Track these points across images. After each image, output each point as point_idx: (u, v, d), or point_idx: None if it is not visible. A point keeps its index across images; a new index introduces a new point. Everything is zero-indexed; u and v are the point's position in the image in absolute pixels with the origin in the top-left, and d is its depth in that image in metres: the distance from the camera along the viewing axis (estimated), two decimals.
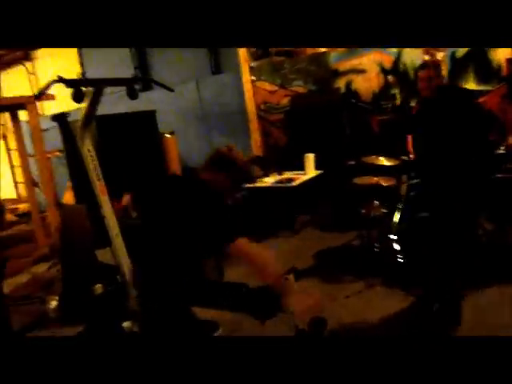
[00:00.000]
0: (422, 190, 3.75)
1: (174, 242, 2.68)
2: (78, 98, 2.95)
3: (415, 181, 3.81)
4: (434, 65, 3.82)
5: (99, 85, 3.11)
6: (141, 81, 3.23)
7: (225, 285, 3.11)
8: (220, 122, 7.29)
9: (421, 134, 3.93)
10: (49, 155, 5.81)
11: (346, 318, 3.25)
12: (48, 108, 9.92)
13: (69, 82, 2.98)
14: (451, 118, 3.60)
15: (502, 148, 4.33)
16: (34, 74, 10.81)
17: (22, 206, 9.49)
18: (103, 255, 3.66)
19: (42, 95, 2.89)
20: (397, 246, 3.72)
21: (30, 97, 5.50)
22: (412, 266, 3.60)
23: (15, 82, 10.89)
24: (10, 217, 9.02)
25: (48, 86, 2.83)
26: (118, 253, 3.43)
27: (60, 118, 3.67)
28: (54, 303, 3.84)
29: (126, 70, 8.58)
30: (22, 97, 5.19)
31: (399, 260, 3.68)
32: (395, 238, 3.74)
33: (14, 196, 10.99)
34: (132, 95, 3.30)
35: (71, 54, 9.34)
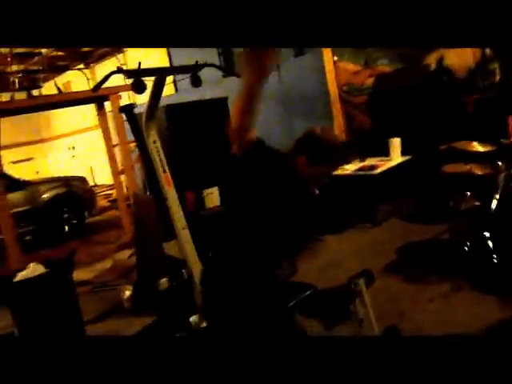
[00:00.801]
0: None
1: (255, 233, 2.52)
2: (138, 88, 2.88)
3: None
4: None
5: (159, 74, 3.02)
6: (202, 67, 3.07)
7: (291, 284, 2.90)
8: (301, 105, 7.01)
9: None
10: (131, 145, 5.94)
11: (427, 325, 2.90)
12: (141, 98, 10.25)
13: (128, 73, 2.92)
14: None
15: None
16: (125, 64, 11.24)
17: (115, 192, 9.98)
18: (171, 248, 3.61)
19: (99, 88, 2.83)
20: (491, 244, 3.26)
21: (112, 88, 5.63)
22: (509, 268, 3.13)
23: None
24: (103, 203, 9.52)
25: (106, 79, 2.79)
26: (185, 246, 3.37)
27: (127, 110, 3.65)
28: (127, 293, 3.88)
29: (212, 57, 8.61)
30: (104, 88, 5.32)
31: (493, 260, 3.22)
32: (489, 234, 3.28)
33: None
34: (195, 83, 3.18)
35: None
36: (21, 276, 3.01)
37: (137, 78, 2.79)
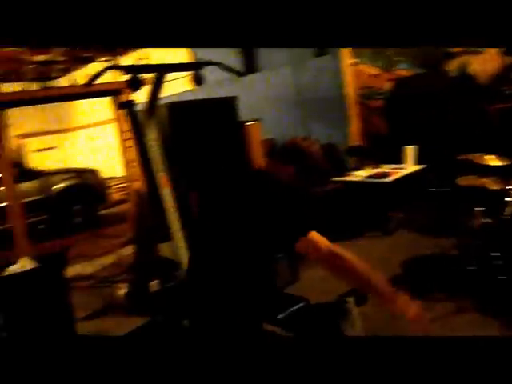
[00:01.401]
0: None
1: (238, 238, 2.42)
2: (133, 85, 2.80)
3: None
4: None
5: (159, 71, 2.93)
6: (204, 65, 2.97)
7: (283, 296, 2.78)
8: (318, 108, 6.85)
9: None
10: None
11: None
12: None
13: (124, 69, 2.83)
14: None
15: None
16: (147, 58, 11.21)
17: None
18: (166, 249, 3.53)
19: (92, 83, 2.75)
20: (498, 265, 3.08)
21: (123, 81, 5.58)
22: None
23: None
24: (117, 195, 9.51)
25: (100, 74, 2.71)
26: (179, 248, 3.28)
27: (127, 106, 3.58)
28: (122, 291, 3.82)
29: (234, 55, 8.53)
30: (114, 82, 5.29)
31: (500, 282, 3.03)
32: (497, 254, 3.09)
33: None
34: (197, 81, 3.08)
35: None
36: (9, 271, 2.96)
37: (133, 74, 2.71)
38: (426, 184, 4.77)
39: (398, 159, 5.20)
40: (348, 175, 5.09)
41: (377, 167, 5.23)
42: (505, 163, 3.41)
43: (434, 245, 4.26)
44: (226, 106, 4.05)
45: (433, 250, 4.17)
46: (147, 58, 11.23)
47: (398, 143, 5.30)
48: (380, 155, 5.58)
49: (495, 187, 3.45)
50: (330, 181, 5.07)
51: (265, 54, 8.27)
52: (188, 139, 3.64)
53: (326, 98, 6.72)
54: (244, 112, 7.91)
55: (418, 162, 5.05)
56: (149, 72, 2.86)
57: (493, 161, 3.45)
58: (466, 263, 3.38)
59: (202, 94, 7.85)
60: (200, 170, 3.55)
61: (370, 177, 4.94)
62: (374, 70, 6.10)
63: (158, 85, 2.97)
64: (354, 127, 6.38)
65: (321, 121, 6.79)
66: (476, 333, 2.82)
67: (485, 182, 3.55)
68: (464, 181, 3.65)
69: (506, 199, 3.29)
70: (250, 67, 8.51)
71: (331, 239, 5.29)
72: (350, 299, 2.25)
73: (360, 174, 5.05)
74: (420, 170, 4.92)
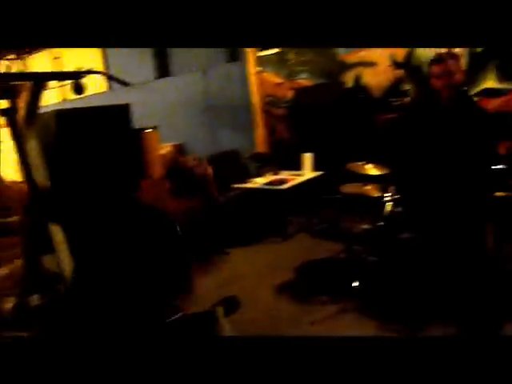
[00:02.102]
0: (407, 206, 3.26)
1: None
2: (76, 90, 2.75)
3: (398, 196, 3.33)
4: (452, 57, 2.91)
5: (35, 79, 2.83)
6: (86, 74, 2.91)
7: (161, 307, 2.80)
8: (226, 114, 6.93)
9: (417, 144, 3.19)
10: None
11: None
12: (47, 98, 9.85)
13: None
14: (466, 132, 2.90)
15: None
16: (59, 57, 10.74)
17: None
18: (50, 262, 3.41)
19: None
20: (375, 269, 3.29)
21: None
22: (392, 293, 3.16)
23: (39, 68, 10.87)
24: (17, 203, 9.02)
25: None
26: (63, 260, 3.19)
27: (7, 113, 3.41)
28: (9, 304, 3.63)
29: (146, 59, 8.41)
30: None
31: (378, 284, 3.24)
32: (375, 259, 3.31)
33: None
34: (77, 90, 3.01)
35: None
36: None
37: (4, 82, 2.60)
38: (321, 190, 4.99)
39: (298, 166, 5.38)
40: (249, 182, 5.19)
41: (276, 174, 5.38)
42: (382, 172, 3.65)
43: (330, 249, 4.45)
44: (118, 113, 3.97)
45: (327, 254, 4.35)
46: (59, 57, 10.78)
47: (298, 150, 5.49)
48: (282, 162, 5.75)
49: (375, 194, 3.68)
50: (231, 188, 5.15)
51: (177, 59, 8.25)
52: (74, 148, 3.54)
53: (233, 104, 6.81)
54: (154, 117, 7.83)
55: (316, 169, 5.25)
56: (24, 80, 2.76)
57: (372, 170, 3.67)
58: (349, 267, 3.58)
59: (110, 99, 7.68)
60: (84, 182, 3.47)
61: (268, 183, 5.07)
62: (277, 79, 6.27)
63: (36, 93, 2.87)
64: (259, 134, 6.52)
65: (228, 127, 6.88)
66: (351, 333, 3.00)
67: (367, 189, 3.78)
68: (347, 188, 3.86)
69: (383, 205, 3.51)
70: (163, 71, 8.45)
71: (233, 245, 5.39)
72: (220, 309, 2.32)
73: (259, 181, 5.17)
74: (316, 176, 5.13)
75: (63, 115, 3.56)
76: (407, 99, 5.23)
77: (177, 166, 2.34)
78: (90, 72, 3.03)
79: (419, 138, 2.99)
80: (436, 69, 2.84)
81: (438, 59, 2.90)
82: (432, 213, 2.90)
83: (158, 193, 2.26)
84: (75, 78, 2.91)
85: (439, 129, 2.89)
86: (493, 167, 3.32)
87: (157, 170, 4.54)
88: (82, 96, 3.08)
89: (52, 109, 3.76)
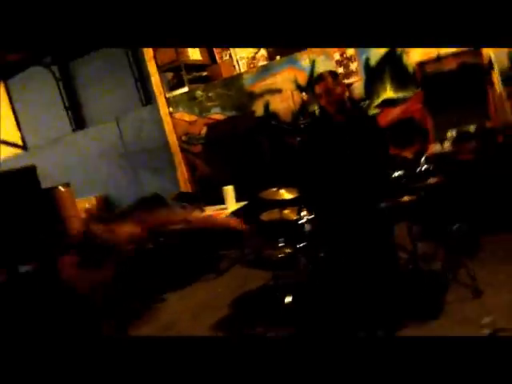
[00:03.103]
0: (318, 225, 3.35)
1: None
2: None
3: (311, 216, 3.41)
4: (332, 75, 3.03)
5: None
6: None
7: None
8: (144, 158, 6.90)
9: (316, 163, 3.30)
10: None
11: None
12: None
13: None
14: (359, 147, 3.02)
15: (422, 158, 3.94)
16: None
17: None
18: None
19: None
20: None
21: None
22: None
23: None
24: None
25: None
26: None
27: None
28: None
29: (58, 109, 8.23)
30: None
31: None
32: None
33: None
34: None
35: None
36: None
37: None
38: (246, 221, 5.02)
39: (221, 200, 5.40)
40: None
41: (203, 211, 5.36)
42: (295, 195, 3.73)
43: (263, 277, 4.44)
44: (24, 175, 3.85)
45: (257, 284, 4.34)
46: None
47: (219, 184, 5.51)
48: (207, 198, 5.75)
49: (293, 217, 3.74)
50: (159, 232, 5.06)
51: (89, 110, 8.17)
52: None
53: (151, 147, 6.80)
54: (74, 170, 7.63)
55: (239, 200, 5.29)
56: None
57: (285, 194, 3.75)
58: (277, 294, 3.59)
59: (24, 159, 7.41)
60: None
61: None
62: (190, 117, 6.33)
63: None
64: (181, 173, 6.51)
65: (149, 170, 6.84)
66: None
67: (285, 214, 3.84)
68: (266, 216, 3.90)
69: (302, 226, 3.58)
70: (79, 123, 8.32)
71: (169, 290, 5.22)
72: None
73: None
74: (240, 208, 5.16)
75: None
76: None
77: (86, 235, 2.28)
78: None
79: (317, 156, 3.10)
80: (317, 88, 2.99)
81: (317, 79, 3.08)
82: (338, 226, 3.00)
83: (67, 269, 2.19)
84: None
85: (333, 145, 3.02)
86: (391, 174, 3.51)
87: (74, 225, 4.41)
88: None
89: None
